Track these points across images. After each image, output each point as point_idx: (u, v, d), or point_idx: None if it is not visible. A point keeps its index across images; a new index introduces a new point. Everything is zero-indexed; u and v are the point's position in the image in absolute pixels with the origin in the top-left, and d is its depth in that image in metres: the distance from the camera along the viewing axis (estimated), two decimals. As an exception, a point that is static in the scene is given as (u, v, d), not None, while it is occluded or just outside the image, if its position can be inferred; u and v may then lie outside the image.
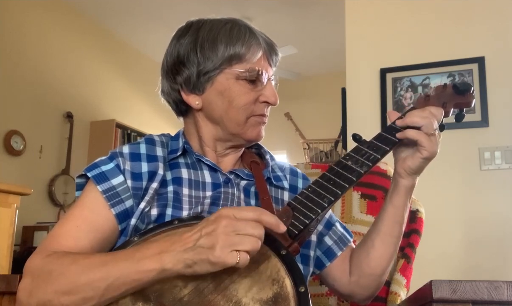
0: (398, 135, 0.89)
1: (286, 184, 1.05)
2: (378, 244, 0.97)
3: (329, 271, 1.04)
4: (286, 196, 1.03)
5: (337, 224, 1.08)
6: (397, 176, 0.94)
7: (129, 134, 4.65)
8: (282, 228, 0.71)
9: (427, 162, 0.90)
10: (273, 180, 1.02)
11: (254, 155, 1.06)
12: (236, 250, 0.66)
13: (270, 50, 0.97)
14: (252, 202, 0.97)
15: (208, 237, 0.67)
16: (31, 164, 3.79)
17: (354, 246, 1.07)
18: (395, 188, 0.94)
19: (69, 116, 4.15)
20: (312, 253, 1.02)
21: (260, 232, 0.68)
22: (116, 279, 0.71)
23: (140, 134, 4.68)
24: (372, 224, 1.00)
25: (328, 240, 1.05)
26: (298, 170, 1.12)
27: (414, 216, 1.35)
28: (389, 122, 0.94)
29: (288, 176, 1.07)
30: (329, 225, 1.07)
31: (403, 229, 0.97)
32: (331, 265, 1.04)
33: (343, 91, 2.86)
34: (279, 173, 1.05)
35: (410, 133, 0.88)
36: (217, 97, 0.94)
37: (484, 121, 2.33)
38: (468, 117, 2.32)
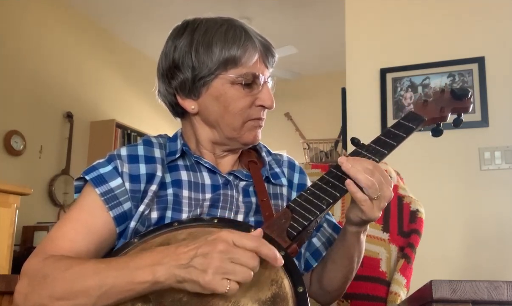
0: (346, 183, 0.82)
1: (284, 181, 1.04)
2: (329, 267, 0.99)
3: (310, 274, 1.05)
4: (284, 191, 1.04)
5: (325, 225, 1.07)
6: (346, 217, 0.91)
7: (129, 134, 4.65)
8: (280, 262, 0.70)
9: (368, 223, 0.86)
10: (271, 178, 1.02)
11: (251, 153, 1.06)
12: (228, 279, 0.66)
13: (266, 52, 0.96)
14: (253, 199, 0.97)
15: (203, 258, 0.67)
16: (31, 164, 3.79)
17: None
18: (343, 228, 0.93)
19: (69, 116, 4.15)
20: (302, 250, 1.02)
21: (255, 264, 0.68)
22: (110, 288, 0.72)
23: (140, 134, 4.68)
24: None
25: (316, 242, 1.05)
26: (296, 163, 1.11)
27: (414, 216, 1.34)
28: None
29: (286, 169, 1.07)
30: (318, 226, 1.06)
31: (354, 261, 0.95)
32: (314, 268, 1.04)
33: (343, 91, 2.86)
34: (277, 169, 1.05)
35: (356, 194, 0.81)
36: (213, 102, 0.93)
37: (484, 121, 2.33)
38: (468, 117, 2.32)
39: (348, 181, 0.82)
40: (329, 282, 0.99)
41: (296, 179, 1.08)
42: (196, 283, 0.66)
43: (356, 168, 0.81)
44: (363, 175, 0.80)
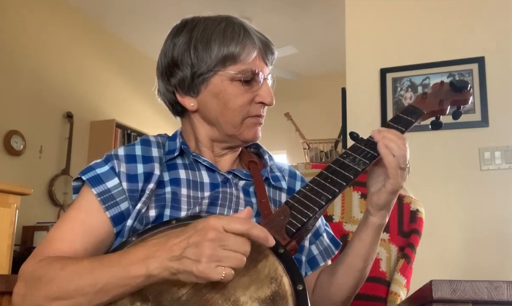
0: (377, 147, 0.85)
1: (284, 184, 1.04)
2: (340, 272, 0.94)
3: (314, 279, 1.02)
4: (283, 197, 1.02)
5: (325, 235, 1.06)
6: (367, 212, 0.90)
7: (129, 134, 4.65)
8: (271, 242, 0.70)
9: (393, 195, 0.86)
10: (271, 180, 1.01)
11: (252, 154, 1.06)
12: (222, 266, 0.65)
13: (266, 49, 0.96)
14: (253, 200, 0.96)
15: (194, 248, 0.66)
16: (31, 164, 3.79)
17: (328, 264, 1.04)
18: (364, 223, 0.91)
19: (69, 116, 4.15)
20: (304, 259, 1.01)
21: (246, 249, 0.67)
22: (104, 285, 0.72)
23: (140, 134, 4.68)
24: (341, 252, 0.98)
25: (314, 249, 1.03)
26: (297, 172, 1.11)
27: (414, 216, 1.34)
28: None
29: (286, 178, 1.06)
30: (317, 234, 1.05)
31: (368, 264, 0.93)
32: (308, 276, 1.02)
33: (343, 91, 2.86)
34: (278, 173, 1.05)
35: (387, 157, 0.83)
36: (212, 99, 0.93)
37: (484, 121, 2.33)
38: (468, 117, 2.32)
39: (380, 144, 0.84)
40: (338, 289, 0.94)
41: (298, 187, 1.06)
42: (190, 273, 0.66)
43: (388, 137, 0.84)
44: (395, 143, 0.83)
